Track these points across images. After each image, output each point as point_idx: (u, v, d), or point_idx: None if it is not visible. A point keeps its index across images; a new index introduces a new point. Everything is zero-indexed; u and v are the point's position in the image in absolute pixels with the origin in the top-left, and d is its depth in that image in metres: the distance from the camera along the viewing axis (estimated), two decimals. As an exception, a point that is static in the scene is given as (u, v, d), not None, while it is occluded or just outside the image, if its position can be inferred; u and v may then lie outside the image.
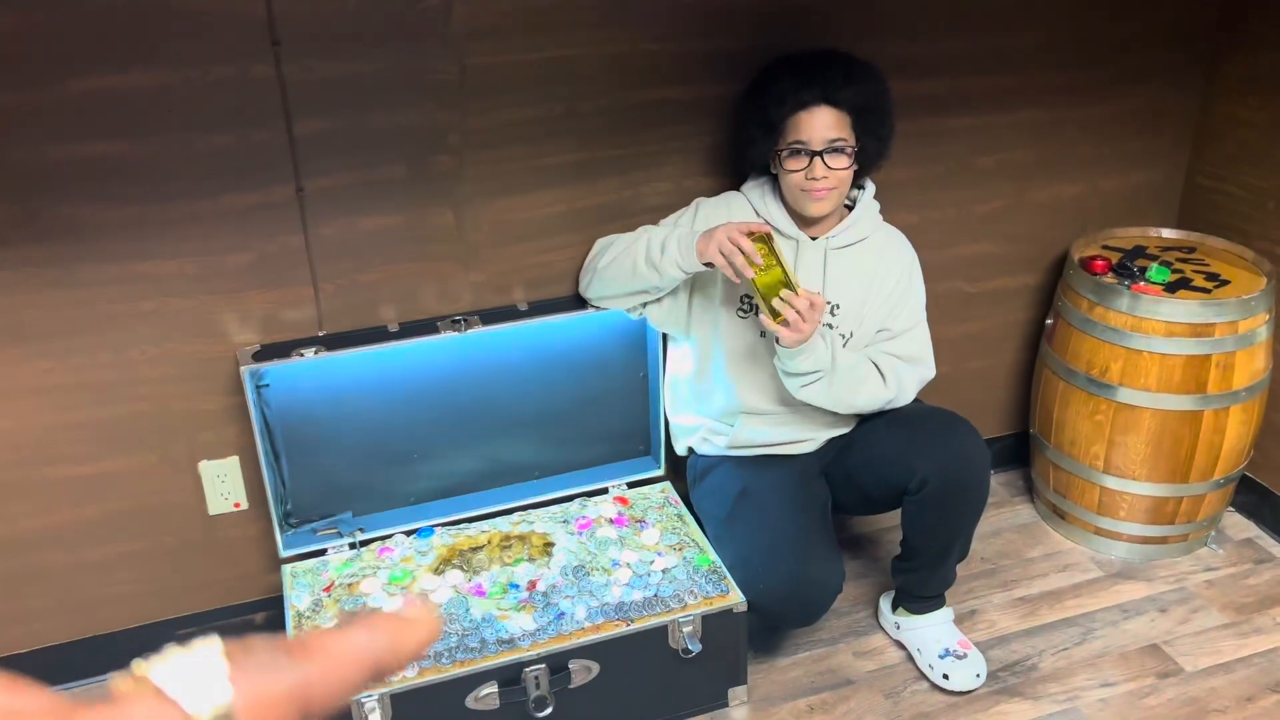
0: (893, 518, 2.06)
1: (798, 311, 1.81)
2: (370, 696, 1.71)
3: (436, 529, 2.08)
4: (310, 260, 1.95)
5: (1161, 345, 2.23)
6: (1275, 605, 2.20)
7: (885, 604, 2.18)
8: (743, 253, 1.77)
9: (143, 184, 1.78)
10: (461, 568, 2.02)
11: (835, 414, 2.02)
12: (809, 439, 2.04)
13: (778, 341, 1.86)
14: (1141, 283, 2.28)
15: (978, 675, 1.99)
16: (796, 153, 1.92)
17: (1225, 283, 2.29)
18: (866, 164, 2.00)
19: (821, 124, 1.91)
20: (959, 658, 2.00)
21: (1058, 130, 2.40)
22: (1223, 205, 2.43)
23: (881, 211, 2.08)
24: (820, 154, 1.91)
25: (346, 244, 1.94)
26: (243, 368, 1.86)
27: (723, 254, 1.77)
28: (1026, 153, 2.40)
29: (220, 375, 1.97)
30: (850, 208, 2.05)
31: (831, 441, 2.05)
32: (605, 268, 1.92)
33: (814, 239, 2.00)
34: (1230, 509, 2.48)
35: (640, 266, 1.85)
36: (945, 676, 2.00)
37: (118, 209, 1.78)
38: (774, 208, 2.02)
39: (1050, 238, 2.51)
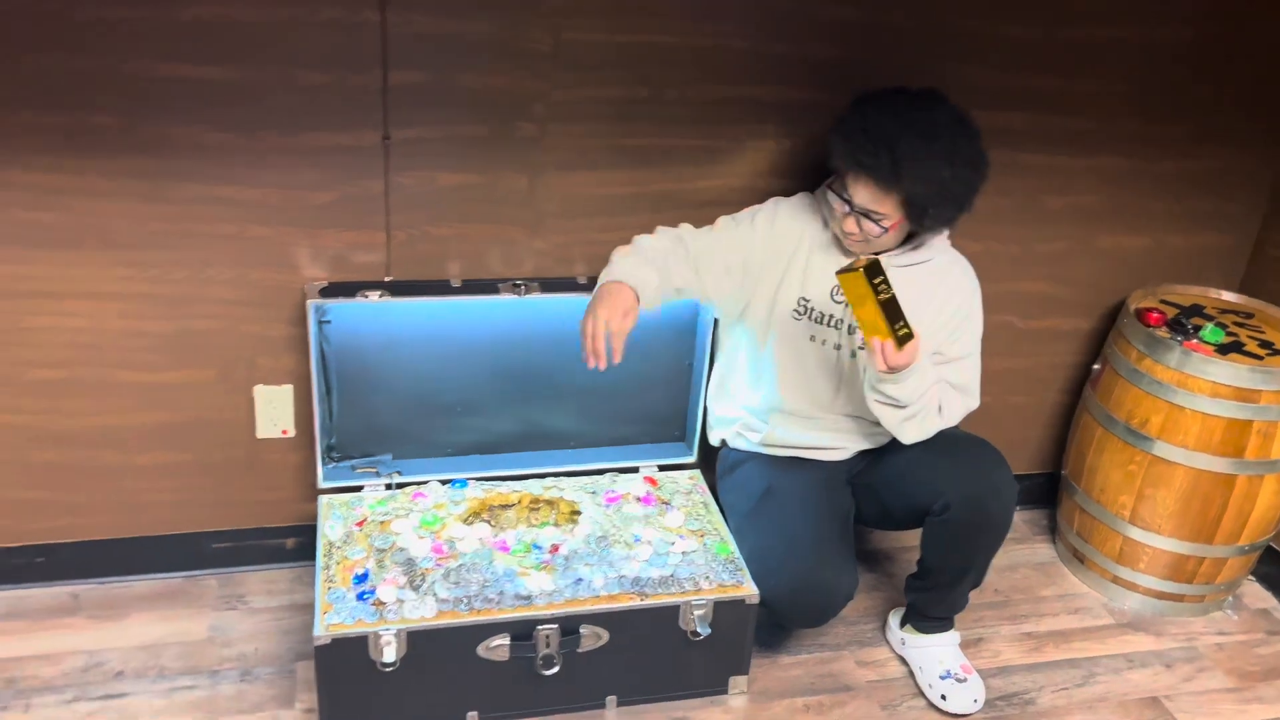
0: (913, 536, 2.10)
1: (882, 354, 1.85)
2: (388, 630, 1.82)
3: (470, 482, 2.15)
4: (387, 207, 2.03)
5: (1205, 404, 2.24)
6: None
7: (894, 619, 2.21)
8: (613, 338, 1.87)
9: (240, 112, 1.86)
10: (490, 522, 2.07)
11: (870, 426, 2.05)
12: (840, 448, 2.08)
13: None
14: (1195, 340, 2.30)
15: (975, 700, 2.03)
16: (840, 198, 1.94)
17: (1279, 352, 2.31)
18: (921, 232, 1.99)
19: (862, 192, 1.90)
20: (959, 680, 2.03)
21: (1131, 181, 2.42)
22: None
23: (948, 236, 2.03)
24: (856, 214, 1.91)
25: (423, 196, 2.01)
26: (309, 301, 1.95)
27: (586, 330, 1.79)
28: (1097, 198, 2.43)
29: (287, 305, 2.05)
30: None
31: (862, 453, 2.09)
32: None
33: (878, 253, 1.98)
34: (1251, 578, 2.49)
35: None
36: (943, 697, 2.04)
37: (214, 133, 1.86)
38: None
39: (1108, 286, 2.54)
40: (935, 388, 1.91)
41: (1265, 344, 2.31)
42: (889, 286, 1.77)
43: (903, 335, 1.77)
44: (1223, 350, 2.27)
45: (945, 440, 2.02)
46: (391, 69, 1.89)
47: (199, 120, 1.85)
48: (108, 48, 1.76)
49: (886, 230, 1.91)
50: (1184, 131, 2.38)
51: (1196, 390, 2.24)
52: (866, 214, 1.90)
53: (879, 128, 1.87)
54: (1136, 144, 2.37)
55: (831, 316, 2.01)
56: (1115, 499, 2.39)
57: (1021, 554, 2.59)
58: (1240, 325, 2.40)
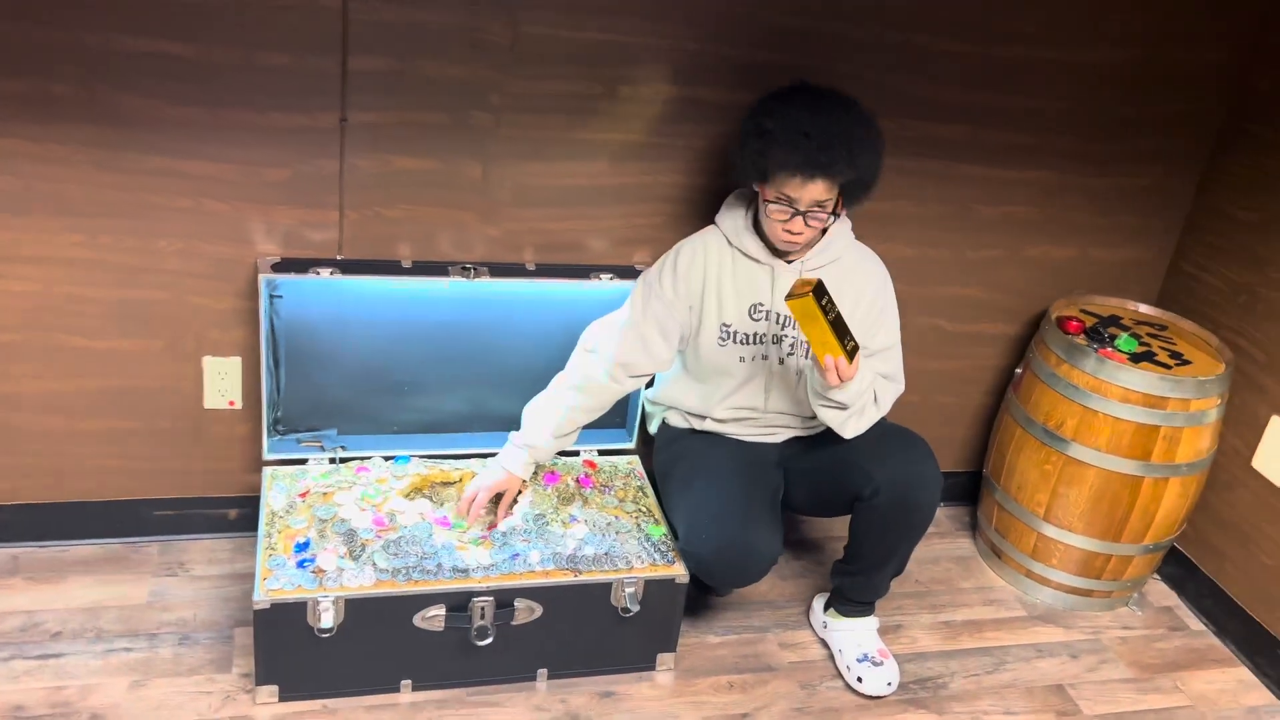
0: (840, 526, 2.19)
1: (836, 370, 1.96)
2: (326, 597, 1.85)
3: (413, 458, 2.21)
4: (341, 187, 2.07)
5: (1116, 409, 2.38)
6: (1178, 671, 2.33)
7: (818, 603, 2.32)
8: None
9: (200, 87, 1.90)
10: (430, 498, 2.15)
11: (803, 420, 2.13)
12: (773, 438, 2.21)
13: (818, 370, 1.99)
14: (1109, 349, 2.44)
15: (889, 684, 2.13)
16: (781, 205, 1.99)
17: (1187, 363, 2.44)
18: (843, 208, 2.10)
19: (812, 192, 1.96)
20: (875, 664, 2.14)
21: (1061, 194, 2.55)
22: (1199, 292, 2.63)
23: (879, 240, 2.22)
24: (803, 213, 1.98)
25: (378, 178, 2.06)
26: (261, 275, 1.99)
27: (465, 496, 2.07)
28: (1028, 210, 2.55)
29: (238, 279, 2.09)
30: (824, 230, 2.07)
31: (794, 439, 2.18)
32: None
33: (789, 262, 2.14)
34: (1156, 576, 2.66)
35: None
36: (859, 679, 2.14)
37: (173, 108, 1.91)
38: (748, 240, 2.11)
39: (1034, 293, 2.66)
40: (871, 383, 2.05)
41: (1175, 354, 2.46)
42: (834, 304, 1.89)
43: (851, 349, 1.90)
44: (1135, 359, 2.41)
45: (878, 431, 2.15)
46: (351, 54, 1.94)
47: (158, 94, 1.89)
48: (72, 19, 1.81)
49: (829, 215, 2.03)
50: (1115, 150, 2.53)
51: (1109, 395, 2.38)
52: (813, 210, 2.00)
53: (822, 130, 1.96)
54: (1067, 159, 2.50)
55: (755, 335, 2.16)
56: (1032, 497, 2.52)
57: (943, 547, 2.74)
58: (1154, 336, 2.54)
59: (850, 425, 2.07)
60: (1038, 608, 2.59)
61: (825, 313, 1.85)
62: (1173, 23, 2.36)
